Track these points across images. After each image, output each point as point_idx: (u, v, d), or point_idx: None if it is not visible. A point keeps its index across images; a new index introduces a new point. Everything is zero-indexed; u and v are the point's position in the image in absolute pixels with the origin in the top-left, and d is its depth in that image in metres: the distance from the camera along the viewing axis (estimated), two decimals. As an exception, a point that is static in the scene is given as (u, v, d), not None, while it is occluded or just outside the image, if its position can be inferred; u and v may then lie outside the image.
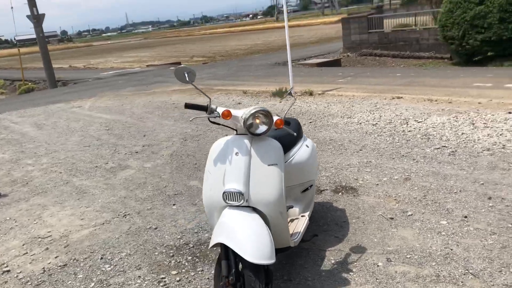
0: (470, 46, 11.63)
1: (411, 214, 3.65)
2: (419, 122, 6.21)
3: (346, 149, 5.43)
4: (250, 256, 2.33)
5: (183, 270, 3.22)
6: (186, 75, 2.76)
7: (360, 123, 6.51)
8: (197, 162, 5.60)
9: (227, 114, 2.63)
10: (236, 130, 2.74)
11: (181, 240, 3.66)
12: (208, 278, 3.08)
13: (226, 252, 2.50)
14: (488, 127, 5.60)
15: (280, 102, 2.55)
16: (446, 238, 3.23)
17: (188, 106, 2.76)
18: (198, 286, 3.02)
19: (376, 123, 6.39)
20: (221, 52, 26.98)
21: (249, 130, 2.61)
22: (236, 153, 2.62)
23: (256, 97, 9.61)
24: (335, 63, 13.81)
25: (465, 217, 3.49)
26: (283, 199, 2.64)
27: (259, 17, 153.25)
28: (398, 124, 6.23)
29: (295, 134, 2.97)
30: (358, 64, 13.56)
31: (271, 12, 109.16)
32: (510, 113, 6.09)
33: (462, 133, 5.50)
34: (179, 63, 19.83)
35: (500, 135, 5.25)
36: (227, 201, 2.58)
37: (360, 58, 14.20)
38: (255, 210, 2.62)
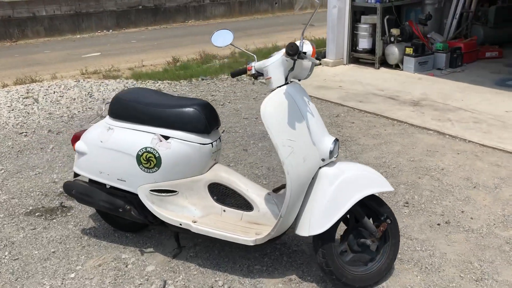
0: None
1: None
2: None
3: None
4: (391, 186, 2.28)
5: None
6: (229, 37, 2.36)
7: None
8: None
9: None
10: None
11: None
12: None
13: (357, 215, 2.25)
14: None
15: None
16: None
17: (234, 74, 2.39)
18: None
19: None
20: None
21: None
22: (308, 102, 2.26)
23: None
24: None
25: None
26: None
27: None
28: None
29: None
30: None
31: None
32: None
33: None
34: None
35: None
36: (334, 156, 2.21)
37: None
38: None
